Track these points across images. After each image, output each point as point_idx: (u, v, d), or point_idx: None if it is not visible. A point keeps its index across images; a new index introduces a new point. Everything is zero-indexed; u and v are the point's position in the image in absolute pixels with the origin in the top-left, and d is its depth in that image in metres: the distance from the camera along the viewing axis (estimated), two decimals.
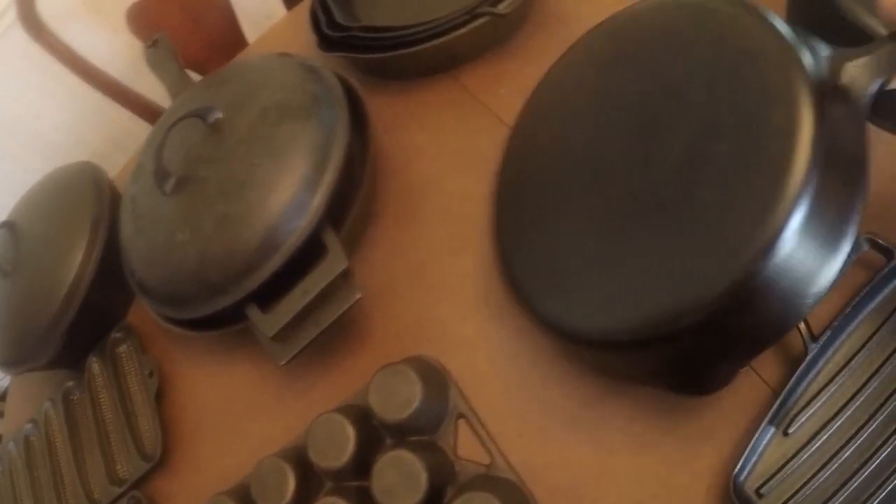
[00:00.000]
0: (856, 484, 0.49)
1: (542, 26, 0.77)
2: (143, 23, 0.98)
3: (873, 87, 0.46)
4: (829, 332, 0.53)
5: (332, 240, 0.62)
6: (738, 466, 0.50)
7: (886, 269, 0.54)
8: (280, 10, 1.03)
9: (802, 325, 0.52)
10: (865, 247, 0.55)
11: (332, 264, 0.61)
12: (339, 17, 0.77)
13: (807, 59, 0.47)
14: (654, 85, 0.55)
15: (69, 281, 0.76)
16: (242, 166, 0.66)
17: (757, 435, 0.51)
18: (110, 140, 1.27)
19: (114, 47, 1.02)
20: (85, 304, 0.77)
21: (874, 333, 0.53)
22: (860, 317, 0.54)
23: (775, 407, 0.51)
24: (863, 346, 0.53)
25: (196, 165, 0.68)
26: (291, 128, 0.66)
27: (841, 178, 0.46)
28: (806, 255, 0.45)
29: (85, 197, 0.82)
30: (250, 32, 1.03)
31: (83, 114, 1.21)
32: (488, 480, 0.57)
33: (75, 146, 1.28)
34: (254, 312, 0.64)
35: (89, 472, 0.76)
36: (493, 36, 0.75)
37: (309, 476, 0.61)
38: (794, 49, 0.47)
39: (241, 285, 0.64)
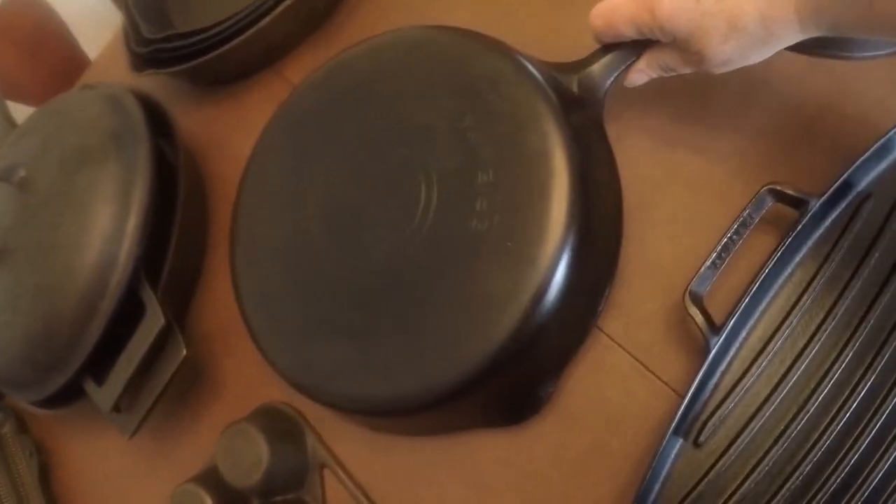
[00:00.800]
0: (788, 492, 0.41)
1: (361, 2, 0.67)
2: None
3: (602, 91, 0.48)
4: (733, 319, 0.44)
5: (147, 296, 0.55)
6: (641, 489, 0.42)
7: (801, 225, 0.44)
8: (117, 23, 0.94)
9: (699, 316, 0.44)
10: (769, 202, 0.46)
11: (151, 324, 0.54)
12: (144, 31, 0.68)
13: (542, 77, 0.47)
14: (397, 125, 0.49)
15: None
16: (48, 229, 0.59)
17: (660, 450, 0.43)
18: None
19: None
20: None
21: (794, 306, 0.45)
22: (773, 290, 0.46)
23: (678, 415, 0.43)
24: (780, 324, 0.45)
25: (7, 235, 0.61)
26: (90, 175, 0.58)
27: (601, 187, 0.46)
28: (585, 268, 0.43)
29: None
30: (94, 52, 0.94)
31: None
32: None
33: None
34: (90, 387, 0.58)
35: None
36: (309, 20, 0.67)
37: None
38: (532, 71, 0.47)
39: (69, 361, 0.57)
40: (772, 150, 0.49)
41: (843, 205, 0.46)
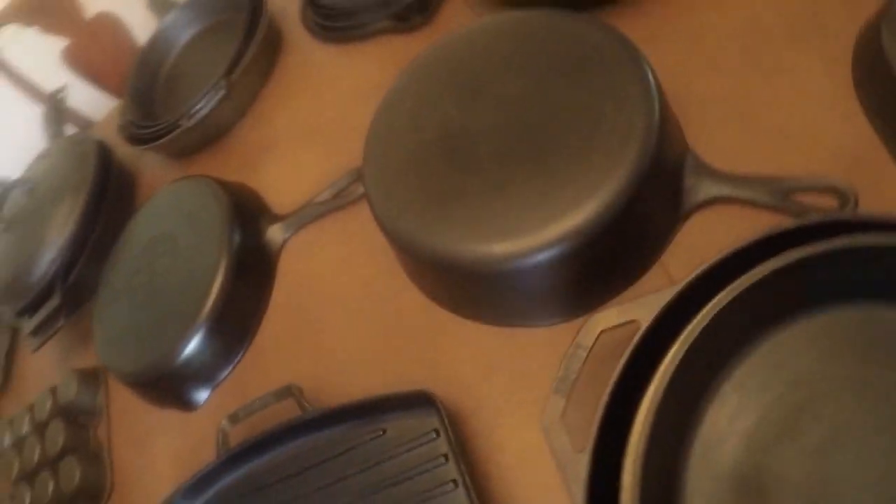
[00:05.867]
0: None
1: (252, 132, 1.03)
2: (75, 60, 1.31)
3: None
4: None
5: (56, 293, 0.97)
6: None
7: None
8: None
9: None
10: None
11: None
12: (129, 114, 1.08)
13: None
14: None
15: None
16: (33, 225, 1.02)
17: None
18: None
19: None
20: None
21: None
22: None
23: None
24: None
25: (15, 217, 1.06)
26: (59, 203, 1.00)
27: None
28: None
29: None
30: None
31: None
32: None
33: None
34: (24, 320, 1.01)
35: None
36: (215, 131, 1.03)
37: None
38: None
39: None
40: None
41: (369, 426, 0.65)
